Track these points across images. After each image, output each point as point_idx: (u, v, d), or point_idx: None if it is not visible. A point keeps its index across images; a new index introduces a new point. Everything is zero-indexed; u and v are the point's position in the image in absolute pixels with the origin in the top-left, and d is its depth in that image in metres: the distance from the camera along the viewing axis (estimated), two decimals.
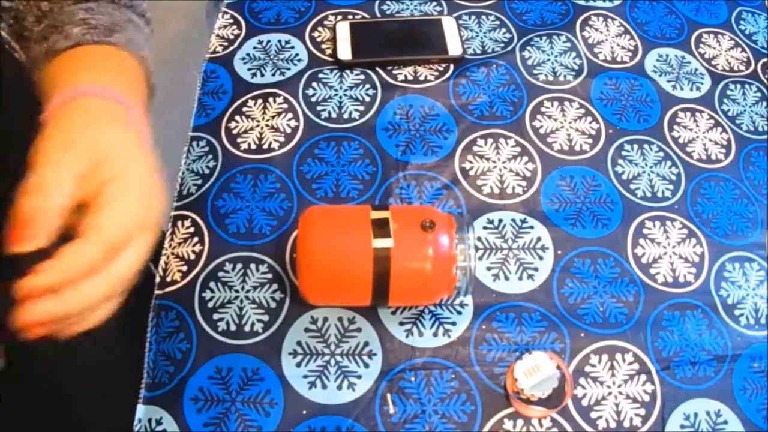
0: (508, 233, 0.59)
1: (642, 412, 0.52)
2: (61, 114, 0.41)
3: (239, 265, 0.57)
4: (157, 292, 0.56)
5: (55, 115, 0.41)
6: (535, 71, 0.70)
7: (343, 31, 0.71)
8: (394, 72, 0.69)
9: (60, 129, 0.39)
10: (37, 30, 0.48)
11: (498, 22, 0.74)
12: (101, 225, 0.37)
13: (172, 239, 0.58)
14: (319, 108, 0.66)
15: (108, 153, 0.39)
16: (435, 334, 0.54)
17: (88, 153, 0.38)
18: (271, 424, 0.50)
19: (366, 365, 0.53)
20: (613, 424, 0.51)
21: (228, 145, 0.64)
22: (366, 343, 0.53)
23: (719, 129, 0.67)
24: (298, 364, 0.52)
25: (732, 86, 0.71)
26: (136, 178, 0.40)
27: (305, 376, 0.52)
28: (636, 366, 0.53)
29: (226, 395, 0.51)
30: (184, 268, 0.57)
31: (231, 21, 0.73)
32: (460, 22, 0.74)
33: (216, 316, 0.54)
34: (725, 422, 0.52)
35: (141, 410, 0.51)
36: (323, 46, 0.71)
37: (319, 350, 0.53)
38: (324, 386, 0.52)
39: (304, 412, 0.51)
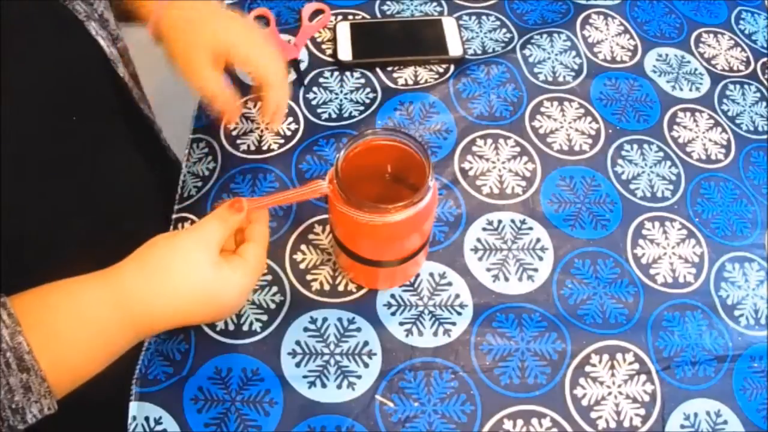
0: (507, 234, 0.59)
1: (642, 412, 0.52)
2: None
3: None
4: None
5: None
6: (535, 69, 0.70)
7: (344, 31, 0.71)
8: (395, 75, 0.69)
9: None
10: None
11: (498, 23, 0.74)
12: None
13: None
14: (319, 110, 0.66)
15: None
16: (435, 334, 0.54)
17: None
18: (271, 424, 0.50)
19: (366, 365, 0.53)
20: (613, 424, 0.51)
21: (227, 147, 0.64)
22: (366, 343, 0.53)
23: (719, 129, 0.67)
24: (298, 364, 0.52)
25: (731, 86, 0.71)
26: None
27: (305, 376, 0.52)
28: (636, 366, 0.53)
29: (226, 395, 0.51)
30: None
31: None
32: (461, 22, 0.74)
33: None
34: (725, 422, 0.52)
35: (134, 407, 0.50)
36: (323, 47, 0.71)
37: (319, 350, 0.53)
38: (324, 385, 0.52)
39: (304, 411, 0.51)
